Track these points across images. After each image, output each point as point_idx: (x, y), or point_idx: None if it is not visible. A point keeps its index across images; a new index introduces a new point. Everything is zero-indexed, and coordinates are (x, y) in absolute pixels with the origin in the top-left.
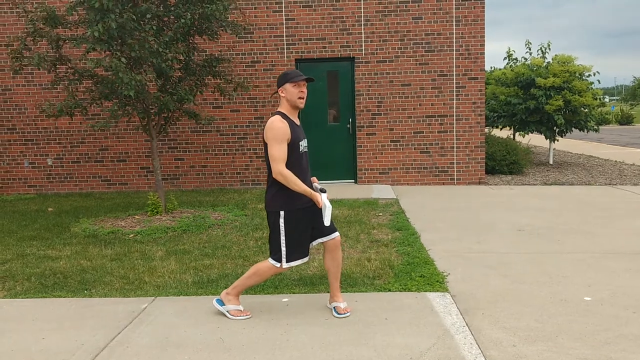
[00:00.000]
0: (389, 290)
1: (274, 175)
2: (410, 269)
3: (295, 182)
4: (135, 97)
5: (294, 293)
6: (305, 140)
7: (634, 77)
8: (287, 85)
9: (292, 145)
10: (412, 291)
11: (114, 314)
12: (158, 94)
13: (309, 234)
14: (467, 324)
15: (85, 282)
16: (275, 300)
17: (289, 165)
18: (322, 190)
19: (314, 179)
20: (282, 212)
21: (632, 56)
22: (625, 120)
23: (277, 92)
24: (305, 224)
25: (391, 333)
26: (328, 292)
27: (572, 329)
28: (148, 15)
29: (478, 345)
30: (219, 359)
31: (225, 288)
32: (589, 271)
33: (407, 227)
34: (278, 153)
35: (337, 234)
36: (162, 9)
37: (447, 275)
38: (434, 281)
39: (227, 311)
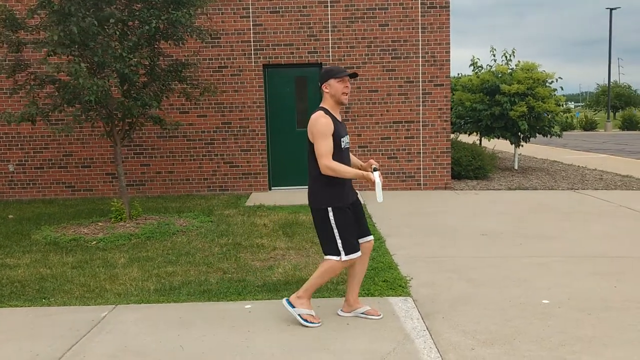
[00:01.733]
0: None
1: (322, 171)
2: (374, 274)
3: (345, 170)
4: (97, 102)
5: (257, 300)
6: (347, 136)
7: (597, 84)
8: (332, 81)
9: (335, 141)
10: (374, 296)
11: (72, 322)
12: (122, 99)
13: (356, 228)
14: (427, 328)
15: (44, 290)
16: (237, 307)
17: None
18: (375, 169)
19: (371, 161)
20: (330, 209)
21: (597, 64)
22: (589, 126)
23: (321, 88)
24: (352, 218)
25: (352, 338)
26: None
27: (529, 331)
28: (112, 20)
29: (437, 349)
30: None
31: (188, 295)
32: (549, 274)
33: (373, 232)
34: (325, 148)
35: (372, 237)
36: (126, 14)
37: (410, 280)
38: (397, 286)
39: (299, 314)
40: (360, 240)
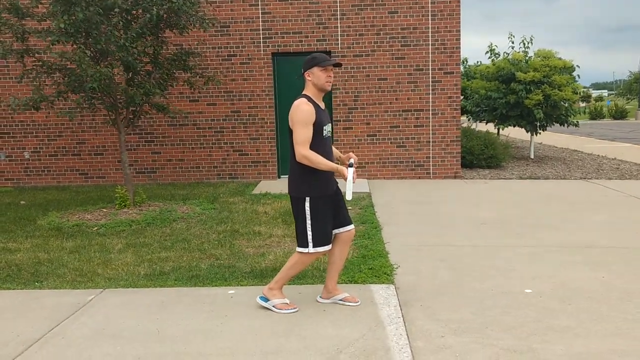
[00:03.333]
0: (337, 283)
1: (297, 159)
2: (362, 261)
3: (319, 161)
4: (100, 89)
5: (241, 285)
6: (329, 125)
7: (630, 71)
8: (315, 69)
9: (316, 129)
10: (358, 283)
11: (58, 305)
12: (125, 87)
13: (331, 222)
14: (402, 316)
15: (38, 274)
16: (221, 293)
17: (311, 149)
18: (350, 165)
19: (350, 154)
20: (307, 198)
21: (632, 51)
22: (619, 114)
23: (303, 75)
24: (329, 211)
25: (325, 324)
26: None
27: (504, 320)
28: (115, 9)
29: (407, 336)
30: (150, 349)
31: (176, 280)
32: (538, 264)
33: (372, 221)
34: (303, 136)
35: (352, 226)
36: (129, 3)
37: (397, 268)
38: (382, 273)
39: (273, 305)
40: (340, 230)
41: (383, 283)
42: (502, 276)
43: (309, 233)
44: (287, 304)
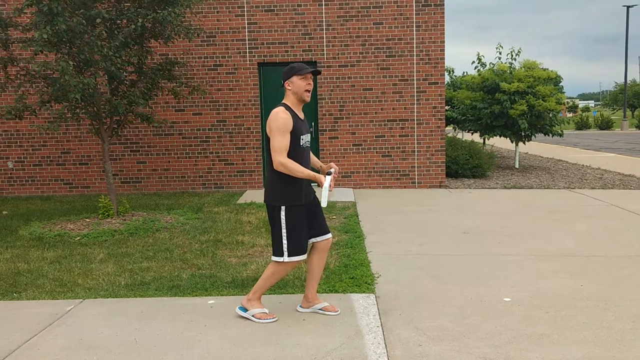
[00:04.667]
0: (317, 292)
1: (275, 167)
2: (343, 270)
3: (296, 169)
4: (83, 100)
5: (222, 295)
6: (308, 135)
7: (616, 82)
8: (294, 78)
9: (294, 138)
10: (338, 292)
11: (36, 316)
12: (109, 96)
13: (307, 232)
14: (381, 324)
15: (17, 284)
16: (201, 302)
17: (289, 158)
18: (329, 173)
19: (331, 164)
20: (283, 207)
21: (618, 62)
22: (605, 125)
23: (283, 85)
24: (304, 220)
25: (304, 334)
26: None
27: (482, 328)
28: (98, 20)
29: (385, 345)
30: (127, 359)
31: (156, 290)
32: (518, 273)
33: (355, 230)
34: (279, 144)
35: (330, 235)
36: (115, 13)
37: (378, 277)
38: (363, 282)
39: (252, 315)
40: (317, 239)
41: (364, 292)
42: (482, 285)
43: (284, 242)
44: (265, 313)
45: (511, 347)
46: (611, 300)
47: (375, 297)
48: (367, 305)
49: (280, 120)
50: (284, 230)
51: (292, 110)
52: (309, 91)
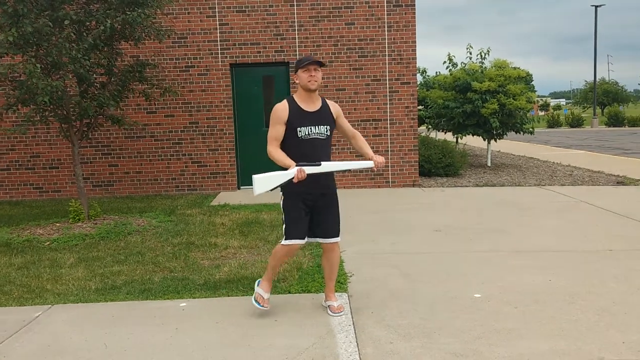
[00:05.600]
0: (289, 292)
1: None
2: (316, 270)
3: (276, 158)
4: (52, 103)
5: (194, 298)
6: (314, 127)
7: (585, 81)
8: (299, 72)
9: (290, 130)
10: (311, 292)
11: (2, 323)
12: (78, 99)
13: (305, 219)
14: (353, 323)
15: None
16: (172, 305)
17: (285, 149)
18: (299, 165)
19: (373, 156)
20: (281, 194)
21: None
22: (575, 122)
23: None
24: (301, 209)
25: (276, 334)
26: (229, 295)
27: (453, 325)
28: (66, 22)
29: (357, 344)
30: None
31: (128, 294)
32: (488, 269)
33: None
34: (270, 134)
35: (335, 239)
36: (83, 15)
37: (350, 276)
38: (336, 282)
39: (255, 293)
40: (322, 241)
41: (336, 292)
42: (453, 281)
43: (284, 226)
44: (263, 298)
45: (480, 343)
46: (578, 294)
47: (348, 296)
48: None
49: (273, 111)
50: (283, 216)
51: (295, 102)
52: (311, 82)
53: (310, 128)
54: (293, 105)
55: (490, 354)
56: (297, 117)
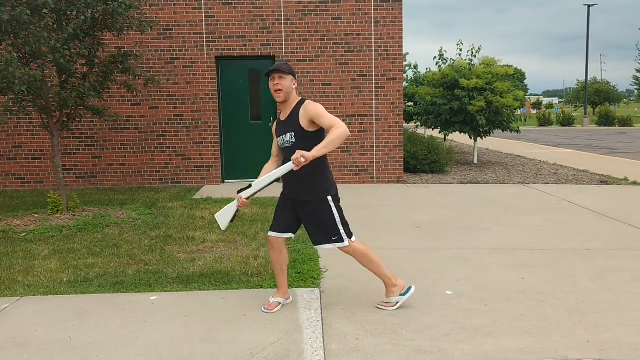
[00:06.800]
0: (262, 287)
1: None
2: (291, 266)
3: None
4: (30, 92)
5: (165, 291)
6: (287, 135)
7: (578, 80)
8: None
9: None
10: None
11: None
12: (57, 89)
13: (284, 216)
14: (322, 319)
15: None
16: (143, 299)
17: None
18: (239, 190)
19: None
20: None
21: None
22: (566, 121)
23: None
24: (282, 206)
25: (243, 329)
26: (201, 289)
27: (422, 321)
28: (45, 10)
29: (323, 339)
30: (59, 358)
31: (99, 286)
32: (463, 266)
33: None
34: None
35: (319, 246)
36: (63, 4)
37: (325, 272)
38: (309, 277)
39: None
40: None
41: (309, 287)
42: (427, 278)
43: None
44: (269, 302)
45: (446, 340)
46: (550, 293)
47: (320, 291)
48: (311, 299)
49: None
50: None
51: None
52: (276, 91)
53: (283, 137)
54: (279, 116)
55: (455, 351)
56: (277, 127)
